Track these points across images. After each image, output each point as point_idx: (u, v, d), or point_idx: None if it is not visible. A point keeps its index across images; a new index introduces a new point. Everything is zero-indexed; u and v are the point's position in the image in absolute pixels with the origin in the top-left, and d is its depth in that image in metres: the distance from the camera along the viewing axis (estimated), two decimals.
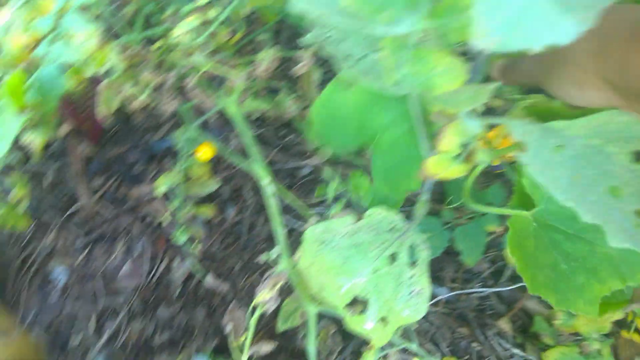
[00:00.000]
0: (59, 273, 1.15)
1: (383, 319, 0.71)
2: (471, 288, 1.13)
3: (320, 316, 1.14)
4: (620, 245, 0.44)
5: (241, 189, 1.25)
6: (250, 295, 0.75)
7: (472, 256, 1.06)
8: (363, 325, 0.72)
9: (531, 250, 0.63)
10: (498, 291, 1.13)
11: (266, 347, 0.76)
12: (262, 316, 1.11)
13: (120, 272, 1.16)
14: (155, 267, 1.17)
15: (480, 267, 1.17)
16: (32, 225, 1.16)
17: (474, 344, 1.08)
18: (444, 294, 1.11)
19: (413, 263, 0.69)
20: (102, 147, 1.26)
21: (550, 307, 1.10)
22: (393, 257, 0.69)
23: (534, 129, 0.49)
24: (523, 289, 1.14)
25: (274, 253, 0.82)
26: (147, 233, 1.19)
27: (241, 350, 0.75)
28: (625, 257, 0.59)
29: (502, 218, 1.08)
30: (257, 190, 1.26)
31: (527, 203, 0.65)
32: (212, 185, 1.05)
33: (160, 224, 1.20)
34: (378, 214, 0.71)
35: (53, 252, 1.16)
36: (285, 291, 0.91)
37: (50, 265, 1.15)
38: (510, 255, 0.62)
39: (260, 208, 1.24)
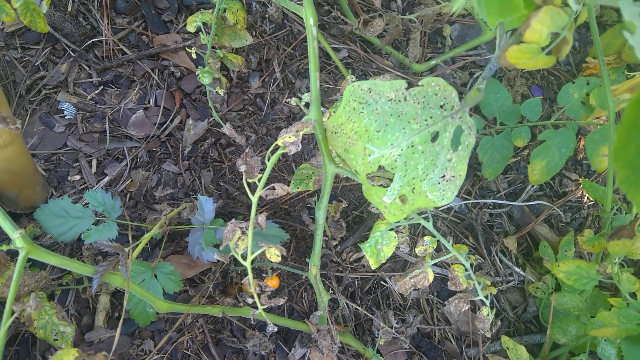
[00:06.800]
0: (67, 107, 1.10)
1: (402, 197, 0.67)
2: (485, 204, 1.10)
3: (332, 197, 1.12)
4: None
5: (270, 61, 1.19)
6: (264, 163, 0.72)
7: (493, 170, 1.03)
8: (381, 198, 0.69)
9: None
10: (509, 212, 1.11)
11: (280, 191, 0.72)
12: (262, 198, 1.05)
13: (131, 119, 1.11)
14: (168, 121, 1.12)
15: (497, 186, 1.14)
16: (46, 51, 1.10)
17: (476, 256, 1.07)
18: (456, 203, 1.09)
19: (455, 147, 0.65)
20: None
21: (559, 235, 1.09)
22: (435, 136, 0.65)
23: None
24: (535, 211, 1.12)
25: (304, 98, 0.78)
26: (166, 84, 1.13)
27: (252, 191, 0.72)
28: None
29: (533, 134, 1.04)
30: (286, 65, 1.20)
31: None
32: (246, 38, 0.99)
33: (181, 77, 1.14)
34: (435, 85, 0.66)
35: (64, 83, 1.11)
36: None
37: (60, 96, 1.10)
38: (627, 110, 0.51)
39: (286, 85, 1.19)
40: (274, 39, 1.23)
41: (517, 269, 1.05)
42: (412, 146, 0.64)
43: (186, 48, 1.12)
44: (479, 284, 0.73)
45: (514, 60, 0.54)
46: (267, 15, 1.24)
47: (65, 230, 0.82)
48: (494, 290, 0.74)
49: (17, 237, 0.62)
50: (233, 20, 0.95)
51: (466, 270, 0.73)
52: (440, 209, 1.09)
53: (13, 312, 0.59)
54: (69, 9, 1.09)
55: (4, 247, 0.62)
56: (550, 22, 0.49)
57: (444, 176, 0.64)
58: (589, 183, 0.97)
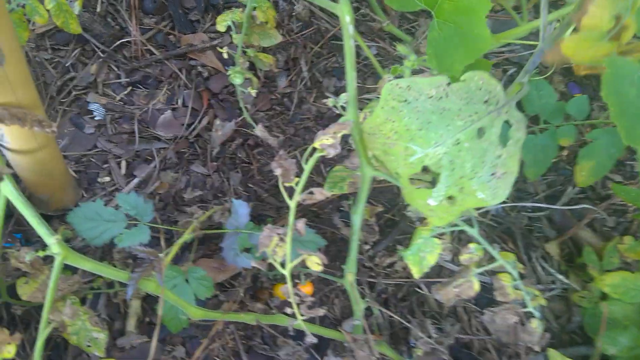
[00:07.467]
0: (97, 108, 1.09)
1: (451, 198, 0.64)
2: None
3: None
4: None
5: (298, 60, 1.16)
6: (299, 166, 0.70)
7: (536, 169, 0.99)
8: (426, 200, 0.65)
9: (632, 98, 0.54)
10: (550, 215, 1.06)
11: (319, 195, 0.70)
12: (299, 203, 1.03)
13: (159, 120, 1.10)
14: (196, 122, 1.11)
15: (535, 188, 1.09)
16: (76, 52, 1.09)
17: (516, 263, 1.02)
18: (494, 205, 1.04)
19: (503, 142, 0.61)
20: None
21: (603, 240, 1.03)
22: (482, 132, 0.62)
23: None
24: (576, 215, 1.07)
25: (341, 100, 0.75)
26: (194, 84, 1.12)
27: (289, 195, 0.69)
28: None
29: (580, 132, 0.99)
30: (314, 64, 1.17)
31: None
32: (275, 37, 0.96)
33: (208, 77, 1.13)
34: (478, 79, 0.62)
35: (93, 84, 1.10)
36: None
37: (89, 97, 1.09)
38: (605, 99, 0.53)
39: (314, 85, 1.16)
40: (301, 37, 1.20)
41: (560, 276, 1.00)
42: (458, 143, 0.61)
43: (217, 48, 1.11)
44: (528, 294, 0.69)
45: (570, 52, 0.49)
46: (294, 14, 1.21)
47: (97, 234, 0.80)
48: (544, 301, 0.70)
49: (54, 243, 0.60)
50: (263, 19, 0.92)
51: (514, 280, 0.69)
52: (477, 212, 1.04)
53: (49, 322, 0.58)
54: (98, 9, 1.08)
55: (41, 254, 0.61)
56: (611, 4, 0.45)
57: (494, 173, 0.60)
58: (619, 187, 0.93)
